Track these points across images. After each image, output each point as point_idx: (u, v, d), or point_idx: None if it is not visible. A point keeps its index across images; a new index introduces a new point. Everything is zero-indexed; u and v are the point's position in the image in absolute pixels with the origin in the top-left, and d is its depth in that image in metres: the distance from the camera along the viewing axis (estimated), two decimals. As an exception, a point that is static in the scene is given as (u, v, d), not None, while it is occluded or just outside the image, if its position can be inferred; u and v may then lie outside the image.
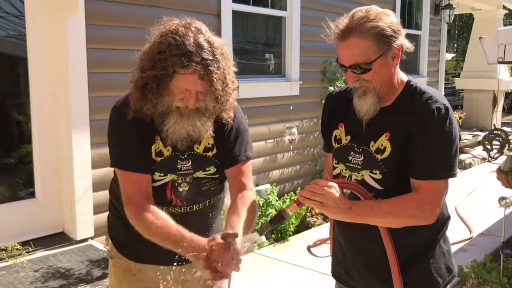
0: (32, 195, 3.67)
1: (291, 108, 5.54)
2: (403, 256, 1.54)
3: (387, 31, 1.47)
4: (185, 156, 1.66)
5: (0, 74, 3.68)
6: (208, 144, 1.69)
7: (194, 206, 1.70)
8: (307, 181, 5.84)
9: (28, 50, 3.52)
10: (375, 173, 1.54)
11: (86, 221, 3.67)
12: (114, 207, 1.82)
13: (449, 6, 8.25)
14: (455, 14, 9.19)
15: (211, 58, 1.51)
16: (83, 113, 3.59)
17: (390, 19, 1.49)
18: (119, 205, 1.73)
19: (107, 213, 3.93)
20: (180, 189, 1.68)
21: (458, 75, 12.54)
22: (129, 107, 1.60)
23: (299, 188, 5.35)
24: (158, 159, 1.64)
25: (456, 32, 22.30)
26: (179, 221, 1.58)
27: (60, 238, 3.66)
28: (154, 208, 1.57)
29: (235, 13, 4.79)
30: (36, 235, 3.55)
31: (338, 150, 1.65)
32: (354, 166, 1.59)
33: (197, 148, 1.67)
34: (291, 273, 3.76)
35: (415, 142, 1.48)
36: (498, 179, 3.82)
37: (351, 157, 1.60)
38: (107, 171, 3.74)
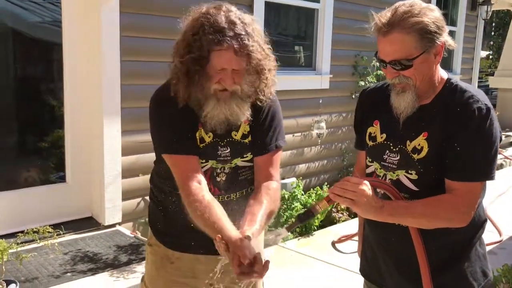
0: (62, 179, 3.74)
1: (320, 101, 5.48)
2: (437, 258, 1.51)
3: (431, 27, 1.42)
4: (225, 142, 1.68)
5: (35, 59, 3.75)
6: (245, 131, 1.70)
7: (232, 195, 1.72)
8: (333, 176, 5.79)
9: (63, 36, 3.57)
10: (411, 173, 1.50)
11: (114, 207, 3.72)
12: (154, 195, 1.84)
13: (487, 2, 8.00)
14: (492, 10, 8.91)
15: (244, 33, 1.51)
16: (115, 101, 3.63)
17: (434, 14, 1.44)
18: (160, 194, 1.76)
19: (135, 200, 4.00)
20: (218, 179, 1.69)
21: (492, 74, 12.20)
22: (170, 95, 1.61)
23: (326, 183, 5.30)
24: (201, 145, 1.66)
25: (493, 29, 21.66)
26: None
27: (88, 223, 3.73)
28: (206, 194, 1.56)
29: (267, 4, 4.75)
30: (65, 219, 3.62)
31: (373, 148, 1.62)
32: (389, 165, 1.55)
33: (235, 135, 1.68)
34: (315, 267, 3.74)
35: (452, 142, 1.44)
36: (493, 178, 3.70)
37: (386, 156, 1.56)
38: (137, 159, 3.78)
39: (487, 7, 8.06)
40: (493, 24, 20.98)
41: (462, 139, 1.43)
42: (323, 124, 5.43)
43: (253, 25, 1.58)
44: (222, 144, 1.68)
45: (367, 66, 5.77)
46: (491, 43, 22.07)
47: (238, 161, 1.71)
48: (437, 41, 1.44)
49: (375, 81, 5.75)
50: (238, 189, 1.73)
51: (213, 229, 1.48)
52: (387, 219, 1.44)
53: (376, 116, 1.63)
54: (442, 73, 1.54)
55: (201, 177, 1.61)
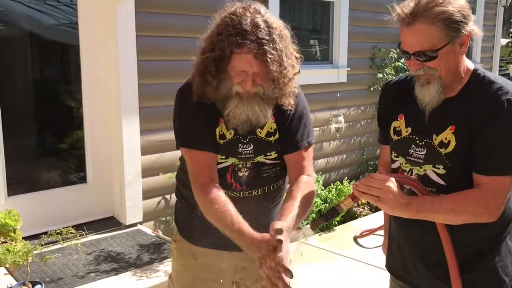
0: (83, 180, 3.76)
1: (338, 95, 5.42)
2: (466, 254, 1.47)
3: (456, 16, 1.37)
4: (247, 140, 1.66)
5: (53, 61, 3.78)
6: (271, 129, 1.68)
7: (253, 191, 1.70)
8: (353, 171, 5.72)
9: (80, 38, 3.58)
10: (439, 168, 1.46)
11: (135, 206, 3.73)
12: (180, 192, 1.85)
13: (506, -12, 7.81)
14: (512, -3, 8.71)
15: (267, 38, 1.49)
16: (133, 100, 3.63)
17: (460, 2, 1.39)
18: (185, 191, 1.76)
19: (155, 198, 4.01)
20: (240, 174, 1.68)
21: (511, 62, 11.95)
22: (192, 91, 1.62)
23: (346, 177, 5.25)
24: (221, 141, 1.65)
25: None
26: (238, 205, 1.58)
27: (110, 223, 3.74)
28: (217, 191, 1.57)
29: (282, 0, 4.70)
30: (87, 219, 3.65)
31: (398, 143, 1.57)
32: (415, 160, 1.50)
33: (260, 133, 1.67)
34: (338, 263, 3.70)
35: (481, 134, 1.39)
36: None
37: (412, 151, 1.51)
38: (156, 158, 3.78)
39: (507, -6, 7.86)
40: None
41: (490, 132, 1.38)
42: (341, 118, 5.37)
43: (280, 31, 1.56)
44: (245, 141, 1.66)
45: (385, 58, 5.68)
46: (511, 30, 21.64)
47: (261, 159, 1.69)
48: (463, 31, 1.39)
49: (393, 73, 5.67)
50: (260, 186, 1.71)
51: (232, 230, 1.48)
52: (414, 216, 1.40)
53: (400, 109, 1.58)
54: (468, 64, 1.48)
55: (215, 175, 1.61)
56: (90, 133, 3.70)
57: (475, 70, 1.48)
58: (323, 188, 4.85)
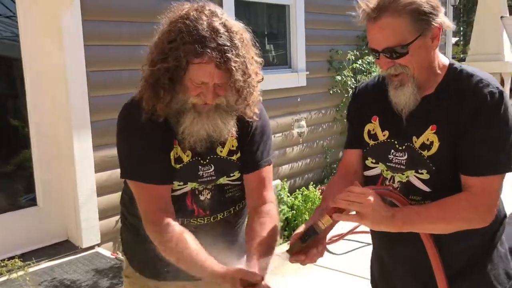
0: (33, 202, 3.49)
1: (298, 99, 5.34)
2: (457, 263, 1.37)
3: (425, 7, 1.27)
4: (207, 161, 1.47)
5: (-6, 76, 3.50)
6: (233, 146, 1.50)
7: (218, 215, 1.52)
8: (318, 175, 5.65)
9: (22, 51, 3.32)
10: (422, 173, 1.35)
11: (91, 227, 3.49)
12: (127, 220, 1.64)
13: (454, -12, 8.02)
14: (459, -4, 8.96)
15: (228, 44, 1.31)
16: (84, 114, 3.39)
17: None
18: (133, 219, 1.55)
19: (113, 218, 3.76)
20: (202, 197, 1.49)
21: (464, 60, 12.32)
22: (140, 108, 1.41)
23: (311, 182, 5.16)
24: (177, 166, 1.45)
25: (461, 15, 22.04)
26: (203, 233, 1.41)
27: (65, 247, 3.47)
28: (177, 228, 1.38)
29: (237, 2, 4.58)
30: (39, 245, 3.37)
31: (375, 148, 1.45)
32: (396, 166, 1.39)
33: (221, 152, 1.48)
34: (306, 272, 3.58)
35: (466, 132, 1.28)
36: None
37: (392, 156, 1.40)
38: (111, 174, 3.56)
39: (456, -7, 8.06)
40: (460, 10, 21.35)
41: (475, 128, 1.28)
42: (303, 123, 5.29)
43: (241, 34, 1.38)
44: (204, 162, 1.48)
45: (343, 60, 5.66)
46: (462, 28, 22.47)
47: (224, 180, 1.52)
48: (433, 23, 1.29)
49: (352, 75, 5.66)
50: (225, 208, 1.54)
51: (199, 269, 1.33)
52: (401, 229, 1.28)
53: (374, 111, 1.47)
54: (443, 59, 1.39)
55: (169, 207, 1.41)
56: (38, 152, 3.43)
57: (451, 65, 1.39)
58: (289, 194, 4.74)
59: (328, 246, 4.19)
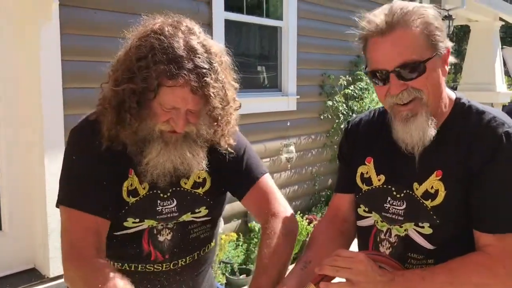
0: (-2, 226, 3.24)
1: (288, 124, 5.17)
2: None
3: (436, 25, 1.10)
4: (168, 194, 1.28)
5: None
6: (199, 178, 1.31)
7: (180, 261, 1.31)
8: (305, 202, 5.45)
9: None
10: (423, 227, 1.15)
11: (60, 255, 3.22)
12: None
13: (448, 17, 8.00)
14: (453, 26, 8.95)
15: (207, 67, 1.14)
16: (58, 135, 3.17)
17: (433, 12, 1.13)
18: None
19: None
20: (161, 238, 1.29)
21: (455, 88, 12.33)
22: (95, 131, 1.22)
23: (298, 211, 4.96)
24: (132, 199, 1.25)
25: (454, 44, 22.30)
26: (159, 282, 1.22)
27: (30, 276, 3.21)
28: (104, 264, 1.16)
29: (227, 23, 4.43)
30: (3, 273, 3.12)
31: (369, 194, 1.26)
32: (393, 217, 1.20)
33: (185, 184, 1.29)
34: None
35: (479, 180, 1.09)
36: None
37: (388, 205, 1.21)
38: (85, 199, 3.32)
39: (449, 22, 8.06)
40: (453, 39, 21.58)
41: (490, 175, 1.09)
42: (292, 148, 5.11)
43: (221, 57, 1.21)
44: (165, 196, 1.28)
45: (334, 85, 5.52)
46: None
47: (188, 217, 1.32)
48: (444, 43, 1.12)
49: (343, 100, 5.52)
50: (188, 253, 1.33)
51: None
52: None
53: (369, 152, 1.28)
54: (449, 93, 1.21)
55: (102, 247, 1.20)
56: (7, 174, 3.19)
57: (458, 99, 1.21)
58: (274, 223, 4.52)
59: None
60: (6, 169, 3.19)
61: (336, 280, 1.08)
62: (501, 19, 10.21)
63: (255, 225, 4.48)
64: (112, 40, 3.39)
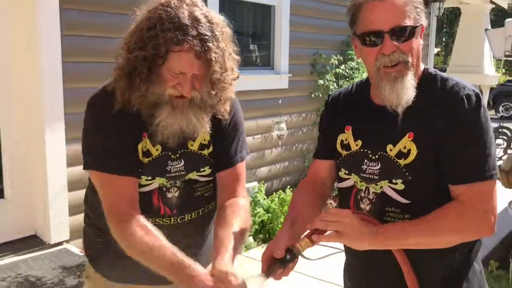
0: (0, 195, 3.36)
1: (279, 102, 5.29)
2: (433, 282, 1.32)
3: (420, 0, 1.28)
4: (177, 155, 1.43)
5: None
6: (204, 140, 1.46)
7: (186, 215, 1.46)
8: (295, 178, 5.62)
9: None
10: (396, 183, 1.29)
11: (60, 223, 3.38)
12: (90, 219, 1.57)
13: (439, -1, 8.10)
14: (444, 8, 9.06)
15: (209, 34, 1.27)
16: (57, 106, 3.28)
17: None
18: (96, 218, 1.48)
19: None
20: (169, 195, 1.43)
21: (444, 70, 12.48)
22: (111, 98, 1.35)
23: (288, 186, 5.13)
24: (146, 160, 1.39)
25: (444, 26, 22.40)
26: (168, 234, 1.34)
27: (32, 242, 3.36)
28: (143, 221, 1.33)
29: (222, 1, 4.51)
30: (4, 239, 3.26)
31: (348, 158, 1.40)
32: (370, 176, 1.33)
33: (192, 145, 1.44)
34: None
35: (446, 139, 1.23)
36: (498, 178, 3.66)
37: (365, 166, 1.34)
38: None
39: (440, 4, 8.16)
40: (444, 21, 21.69)
41: (455, 133, 1.23)
42: (283, 125, 5.25)
43: (222, 28, 1.35)
44: (175, 157, 1.43)
45: (326, 65, 5.64)
46: (444, 39, 22.83)
47: (194, 176, 1.47)
48: (423, 19, 1.29)
49: (334, 79, 5.64)
50: (194, 209, 1.48)
51: (168, 268, 1.26)
52: (386, 245, 1.23)
53: (347, 121, 1.42)
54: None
55: (136, 203, 1.36)
56: (8, 143, 3.31)
57: (426, 69, 1.35)
58: (265, 197, 4.69)
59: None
60: (8, 141, 3.31)
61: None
62: (492, 2, 10.30)
63: (253, 197, 4.65)
64: (112, 16, 3.49)
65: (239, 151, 1.51)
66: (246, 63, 5.08)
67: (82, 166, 3.57)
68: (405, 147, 1.28)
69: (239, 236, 1.35)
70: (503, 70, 15.14)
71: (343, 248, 1.47)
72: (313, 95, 5.59)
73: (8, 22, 3.22)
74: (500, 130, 8.25)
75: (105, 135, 1.37)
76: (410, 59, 1.26)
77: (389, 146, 1.31)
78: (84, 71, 3.44)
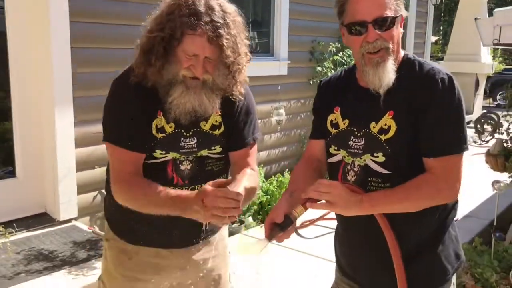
0: (12, 174, 3.53)
1: (279, 88, 5.45)
2: (411, 244, 1.49)
3: None
4: (190, 133, 1.58)
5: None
6: (216, 121, 1.61)
7: (197, 186, 1.61)
8: (293, 163, 5.79)
9: (7, 23, 3.34)
10: (377, 156, 1.46)
11: (69, 201, 3.55)
12: (109, 187, 1.73)
13: (437, -13, 8.20)
14: (441, -4, 9.16)
15: (221, 21, 1.43)
16: (67, 90, 3.43)
17: None
18: None
19: (91, 193, 3.83)
20: (182, 167, 1.60)
21: (442, 59, 12.57)
22: (130, 77, 1.51)
23: (286, 169, 5.30)
24: (160, 135, 1.55)
25: (442, 14, 22.39)
26: None
27: (42, 219, 3.54)
28: (143, 180, 1.50)
29: (223, -11, 4.64)
30: (17, 216, 3.42)
31: (337, 136, 1.57)
32: (355, 151, 1.51)
33: (204, 125, 1.59)
34: (278, 254, 3.73)
35: (422, 117, 1.40)
36: (487, 162, 3.82)
37: (351, 142, 1.51)
38: (92, 150, 3.62)
39: (437, -8, 8.25)
40: (442, 9, 21.69)
41: (430, 112, 1.40)
42: (282, 111, 5.40)
43: (234, 16, 1.50)
44: (188, 134, 1.58)
45: (324, 52, 5.78)
46: (442, 28, 22.81)
47: (205, 153, 1.62)
48: (403, 10, 1.44)
49: (332, 67, 5.78)
50: (204, 180, 1.61)
51: (166, 204, 1.44)
52: (370, 211, 1.40)
53: (336, 102, 1.58)
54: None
55: (140, 173, 1.54)
56: (20, 125, 3.47)
57: (405, 55, 1.52)
58: (264, 180, 4.87)
59: (299, 231, 4.36)
60: (19, 122, 3.47)
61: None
62: (489, -10, 10.39)
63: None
64: (118, 4, 3.62)
65: (251, 133, 1.66)
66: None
67: (89, 148, 3.76)
68: (386, 124, 1.45)
69: (248, 191, 1.50)
70: (500, 59, 15.22)
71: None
72: (311, 82, 5.73)
73: (22, 9, 3.35)
74: (488, 115, 8.43)
75: (119, 110, 1.54)
76: (391, 46, 1.42)
77: (372, 124, 1.47)
78: (91, 57, 3.59)
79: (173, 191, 1.46)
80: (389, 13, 1.39)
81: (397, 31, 1.43)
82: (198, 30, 1.41)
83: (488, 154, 3.80)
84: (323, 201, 1.38)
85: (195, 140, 1.58)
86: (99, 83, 3.46)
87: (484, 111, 9.58)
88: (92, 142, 3.59)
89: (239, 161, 1.64)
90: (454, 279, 1.57)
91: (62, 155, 3.47)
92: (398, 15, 1.42)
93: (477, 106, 10.60)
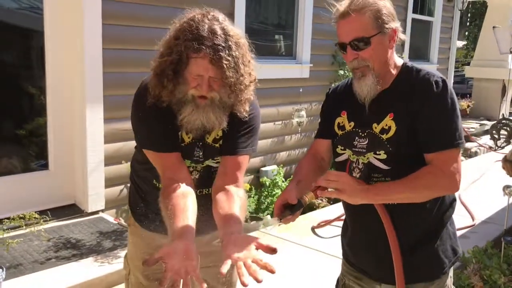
0: (45, 167, 3.75)
1: (300, 90, 5.56)
2: (411, 238, 1.60)
3: (384, 12, 1.55)
4: (200, 145, 1.72)
5: (13, 46, 3.71)
6: (217, 135, 1.73)
7: (204, 190, 1.76)
8: (313, 164, 5.89)
9: (45, 24, 3.56)
10: (379, 154, 1.59)
11: (97, 194, 3.75)
12: (134, 179, 1.91)
13: (463, -7, 8.17)
14: (468, 1, 9.09)
15: (223, 45, 1.54)
16: (97, 88, 3.64)
17: (385, 3, 1.57)
18: (138, 179, 1.84)
19: (118, 187, 4.03)
20: (192, 177, 1.73)
21: (468, 64, 12.44)
22: (148, 93, 1.65)
23: (306, 170, 5.40)
24: (181, 144, 1.70)
25: (468, 19, 22.05)
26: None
27: (72, 210, 3.76)
28: (181, 187, 1.58)
29: (248, -6, 4.78)
30: (48, 206, 3.63)
31: (343, 137, 1.70)
32: (359, 150, 1.64)
33: (207, 138, 1.72)
34: (295, 252, 3.84)
35: (419, 117, 1.54)
36: (504, 168, 3.84)
37: (356, 142, 1.65)
38: (119, 146, 3.81)
39: (463, -2, 8.22)
40: (469, 14, 21.38)
41: (426, 112, 1.53)
42: (303, 113, 5.51)
43: (237, 39, 1.61)
44: (198, 146, 1.72)
45: (347, 56, 5.85)
46: (467, 33, 22.45)
47: (210, 162, 1.76)
48: (390, 25, 1.55)
49: (354, 70, 5.85)
50: (210, 186, 1.75)
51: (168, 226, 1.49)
52: (376, 199, 1.53)
53: (343, 107, 1.72)
54: (397, 60, 1.65)
55: (181, 174, 1.63)
56: (53, 120, 3.69)
57: (404, 63, 1.65)
58: (284, 179, 4.99)
59: (316, 231, 4.47)
60: (53, 117, 3.69)
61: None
62: (519, -5, 10.24)
63: (266, 180, 4.96)
64: (148, 8, 3.81)
65: (246, 145, 1.75)
66: (270, 52, 5.36)
67: (117, 144, 3.95)
68: (386, 125, 1.59)
69: (241, 216, 1.55)
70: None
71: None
72: (333, 85, 5.80)
73: (59, 11, 3.57)
74: (504, 121, 8.33)
75: (147, 123, 1.68)
76: (369, 64, 1.55)
77: (374, 125, 1.61)
78: (121, 58, 3.78)
79: (179, 219, 1.48)
80: (366, 34, 1.51)
81: (378, 48, 1.54)
82: (201, 53, 1.53)
83: (505, 160, 3.82)
84: (332, 190, 1.51)
85: (202, 151, 1.72)
86: (127, 83, 3.64)
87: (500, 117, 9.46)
88: (120, 138, 3.79)
89: (228, 170, 1.70)
90: (451, 272, 1.69)
91: (92, 150, 3.67)
92: (378, 33, 1.52)
93: (504, 112, 10.47)
